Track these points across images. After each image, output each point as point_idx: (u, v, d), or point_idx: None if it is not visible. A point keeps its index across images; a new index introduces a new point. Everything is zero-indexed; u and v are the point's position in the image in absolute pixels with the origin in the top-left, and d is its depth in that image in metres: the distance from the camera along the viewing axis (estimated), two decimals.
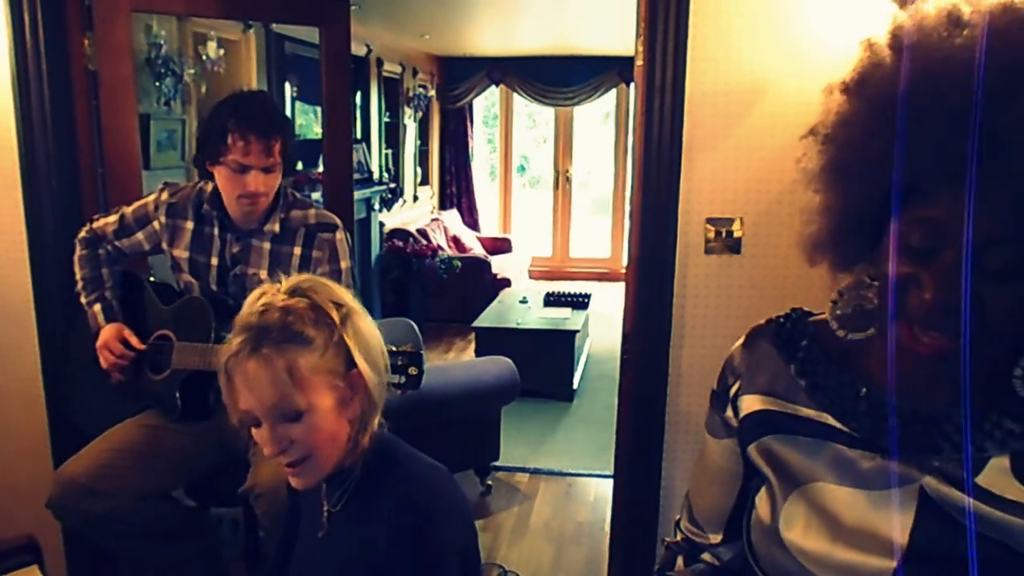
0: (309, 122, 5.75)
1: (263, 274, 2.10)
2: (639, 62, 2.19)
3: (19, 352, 2.45)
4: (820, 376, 0.91)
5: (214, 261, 2.13)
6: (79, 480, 1.95)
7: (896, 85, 0.74)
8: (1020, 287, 0.72)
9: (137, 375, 2.15)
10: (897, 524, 0.81)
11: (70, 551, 2.51)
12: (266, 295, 1.26)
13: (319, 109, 4.62)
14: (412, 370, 1.71)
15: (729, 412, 1.01)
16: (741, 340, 1.02)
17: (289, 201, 2.16)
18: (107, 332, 2.11)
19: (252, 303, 1.26)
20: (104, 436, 2.07)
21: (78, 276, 2.18)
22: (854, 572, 0.82)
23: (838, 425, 0.88)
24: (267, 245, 2.12)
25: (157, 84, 3.65)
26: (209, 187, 2.13)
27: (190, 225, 2.15)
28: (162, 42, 3.58)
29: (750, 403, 0.97)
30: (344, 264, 2.14)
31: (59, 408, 2.43)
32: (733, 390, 1.00)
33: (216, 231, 2.13)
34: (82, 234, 2.21)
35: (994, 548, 0.76)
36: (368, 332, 1.30)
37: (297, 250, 2.12)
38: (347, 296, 1.31)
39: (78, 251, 2.20)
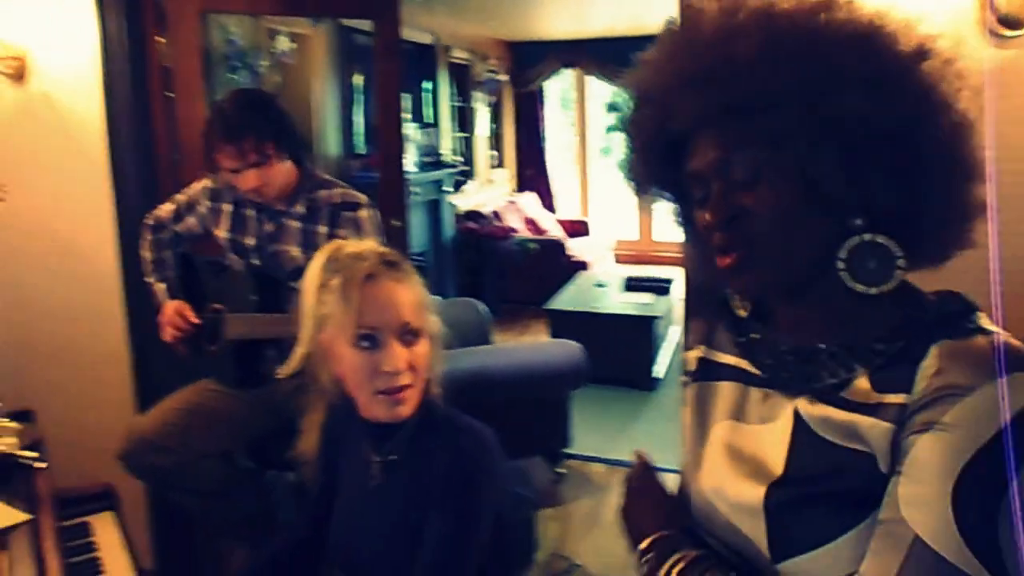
0: None
1: (295, 251, 2.23)
2: None
3: (108, 321, 2.73)
4: (741, 326, 1.01)
5: (251, 241, 2.29)
6: (145, 436, 2.16)
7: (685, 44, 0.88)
8: (766, 186, 0.83)
9: (198, 346, 2.33)
10: (778, 451, 0.87)
11: (151, 501, 2.79)
12: (355, 243, 1.42)
13: None
14: None
15: (685, 375, 1.09)
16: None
17: (315, 182, 2.27)
18: (167, 308, 2.30)
19: (351, 247, 1.38)
20: (171, 397, 2.28)
21: (145, 258, 2.41)
22: (738, 503, 0.89)
23: (751, 368, 0.96)
24: (297, 224, 2.25)
25: (232, 77, 3.94)
26: None
27: (229, 208, 2.31)
28: (236, 38, 3.86)
29: (693, 355, 1.08)
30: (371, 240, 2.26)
31: (141, 373, 2.72)
32: (685, 355, 1.11)
33: (253, 212, 2.28)
34: (147, 221, 2.42)
35: (858, 460, 0.80)
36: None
37: (323, 229, 2.23)
38: None
39: (144, 236, 2.41)
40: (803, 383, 0.88)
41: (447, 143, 6.91)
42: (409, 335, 1.33)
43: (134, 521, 2.69)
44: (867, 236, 0.82)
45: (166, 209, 2.41)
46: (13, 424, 1.87)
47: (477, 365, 3.51)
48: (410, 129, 6.29)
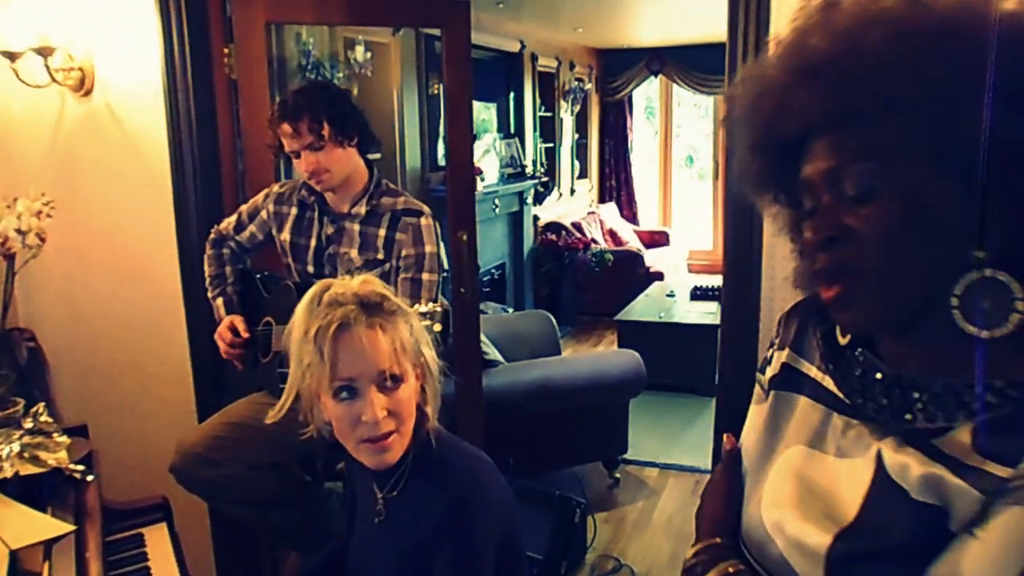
0: None
1: (353, 253, 2.26)
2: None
3: (171, 336, 2.71)
4: (834, 341, 0.90)
5: (312, 243, 2.33)
6: (195, 449, 2.17)
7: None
8: (878, 206, 0.74)
9: (254, 360, 2.35)
10: (853, 495, 0.78)
11: (213, 515, 2.77)
12: (341, 284, 1.36)
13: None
14: (436, 327, 1.75)
15: (767, 373, 0.99)
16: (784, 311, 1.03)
17: (381, 189, 2.30)
18: (222, 324, 2.35)
19: (336, 285, 1.35)
20: (222, 411, 2.30)
21: (206, 273, 2.45)
22: (799, 544, 0.80)
23: (835, 390, 0.86)
24: (356, 227, 2.28)
25: None
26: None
27: (293, 211, 2.36)
28: (311, 48, 3.83)
29: (779, 357, 0.97)
30: (429, 248, 2.23)
31: (204, 387, 2.69)
32: (770, 351, 1.00)
33: (315, 215, 2.33)
34: (211, 236, 2.47)
35: (929, 516, 0.72)
36: (423, 329, 1.40)
37: (382, 232, 2.26)
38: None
39: (207, 251, 2.46)
40: (893, 422, 0.78)
41: (531, 154, 6.84)
42: (389, 381, 1.30)
43: (197, 533, 2.70)
44: (987, 272, 0.71)
45: (228, 222, 2.46)
46: (64, 439, 1.94)
47: (541, 376, 3.70)
48: (494, 140, 6.23)
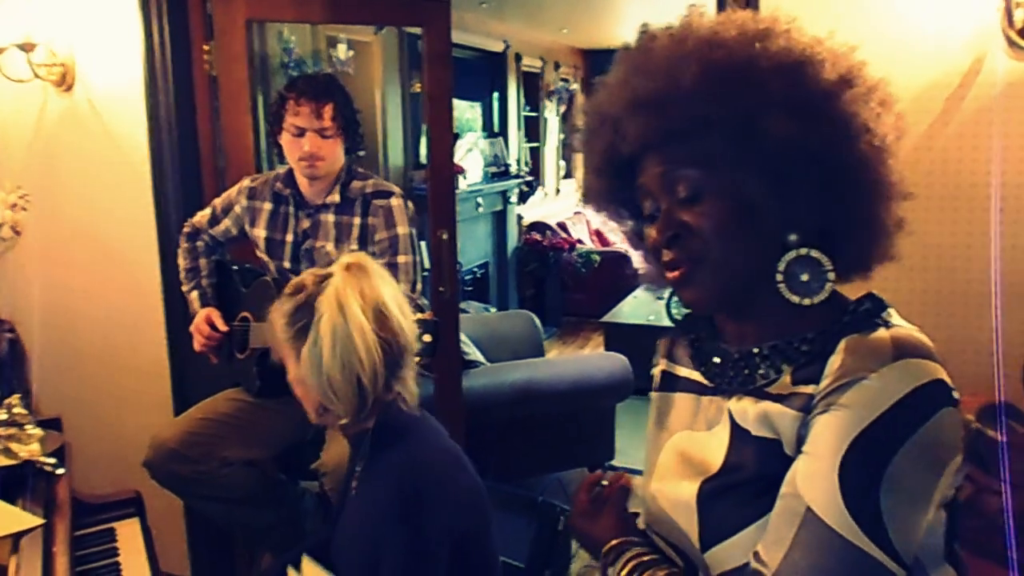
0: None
1: (330, 247, 2.25)
2: None
3: (148, 331, 2.72)
4: (700, 340, 1.07)
5: (289, 238, 2.31)
6: (170, 445, 2.17)
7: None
8: (707, 204, 0.89)
9: (230, 355, 2.35)
10: (718, 451, 0.93)
11: (189, 511, 2.77)
12: None
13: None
14: (427, 337, 1.78)
15: (652, 387, 1.15)
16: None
17: (352, 174, 2.31)
18: (198, 317, 2.33)
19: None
20: (196, 407, 2.30)
21: (180, 267, 2.44)
22: (677, 499, 0.96)
23: (702, 380, 1.02)
24: (331, 218, 2.27)
25: None
26: (283, 170, 2.33)
27: (268, 206, 2.34)
28: (293, 46, 3.84)
29: (657, 369, 1.14)
30: (401, 230, 2.23)
31: (181, 382, 2.70)
32: (652, 371, 1.16)
33: (290, 209, 2.31)
34: (185, 229, 2.45)
35: (768, 447, 0.87)
36: (389, 283, 1.47)
37: (356, 220, 2.26)
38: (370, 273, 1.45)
39: (181, 244, 2.44)
40: (740, 385, 0.95)
41: (515, 153, 6.85)
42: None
43: (173, 528, 2.71)
44: (802, 251, 0.88)
45: (202, 215, 2.44)
46: (38, 431, 1.94)
47: (524, 378, 3.62)
48: (478, 139, 6.25)
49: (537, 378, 3.67)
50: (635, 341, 4.89)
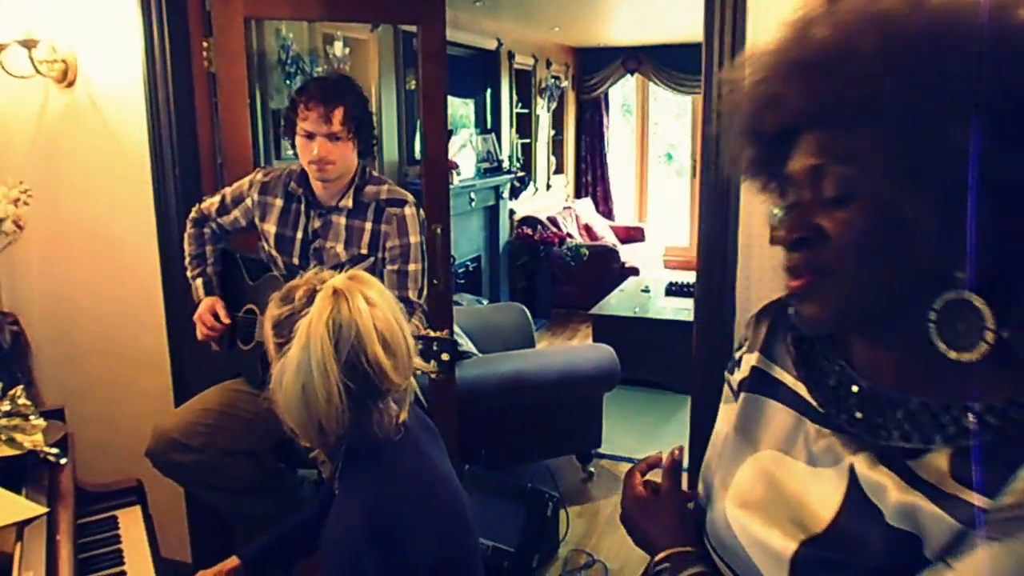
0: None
1: (339, 247, 2.26)
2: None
3: (149, 322, 2.77)
4: (808, 349, 0.90)
5: (298, 235, 2.31)
6: (170, 434, 2.21)
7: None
8: (852, 211, 0.73)
9: (231, 345, 2.37)
10: (824, 506, 0.78)
11: (190, 499, 2.83)
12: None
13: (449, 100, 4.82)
14: (444, 356, 1.81)
15: (735, 375, 0.99)
16: (754, 312, 1.02)
17: (366, 179, 2.30)
18: (202, 306, 2.34)
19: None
20: (198, 396, 2.33)
21: (186, 252, 2.43)
22: (765, 547, 0.81)
23: (808, 398, 0.86)
24: (343, 220, 2.28)
25: (288, 83, 3.96)
26: (297, 168, 2.32)
27: (279, 202, 2.34)
28: (291, 43, 3.89)
29: (748, 360, 0.97)
30: (413, 239, 2.25)
31: (181, 372, 2.75)
32: (739, 354, 1.00)
33: (302, 207, 2.31)
34: (192, 215, 2.45)
35: (903, 541, 0.72)
36: (375, 314, 1.35)
37: (368, 225, 2.26)
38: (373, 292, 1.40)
39: (187, 230, 2.44)
40: (868, 436, 0.77)
41: (507, 149, 6.91)
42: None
43: (174, 516, 2.75)
44: (965, 294, 0.70)
45: (211, 202, 2.43)
46: (40, 422, 1.96)
47: (515, 369, 3.68)
48: (471, 135, 6.30)
49: (527, 368, 3.73)
50: (622, 333, 5.07)
